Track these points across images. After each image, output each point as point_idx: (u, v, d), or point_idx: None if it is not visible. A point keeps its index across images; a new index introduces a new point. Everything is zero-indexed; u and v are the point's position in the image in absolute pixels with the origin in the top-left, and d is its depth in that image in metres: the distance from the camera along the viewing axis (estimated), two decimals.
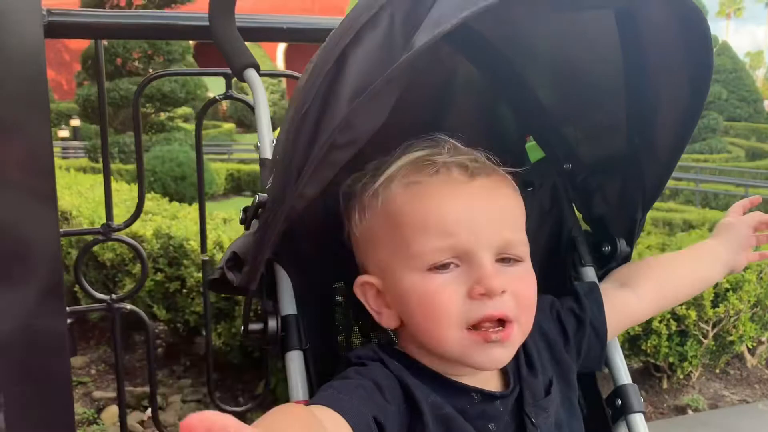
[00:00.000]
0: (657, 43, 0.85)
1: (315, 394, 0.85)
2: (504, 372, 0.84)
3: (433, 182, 0.79)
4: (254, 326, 0.87)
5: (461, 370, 0.80)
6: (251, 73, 1.16)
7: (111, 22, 1.60)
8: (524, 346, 0.85)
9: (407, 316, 0.80)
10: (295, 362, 0.87)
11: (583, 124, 1.06)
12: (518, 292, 0.78)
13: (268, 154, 1.06)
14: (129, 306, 1.85)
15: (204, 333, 3.14)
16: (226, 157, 16.94)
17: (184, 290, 2.91)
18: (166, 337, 3.41)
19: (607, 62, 0.93)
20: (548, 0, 0.81)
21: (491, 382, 0.83)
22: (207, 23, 1.50)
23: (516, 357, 0.84)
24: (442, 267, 0.77)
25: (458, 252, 0.77)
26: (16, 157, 1.47)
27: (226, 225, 3.20)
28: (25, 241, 1.52)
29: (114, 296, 1.95)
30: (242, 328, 0.87)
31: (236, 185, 13.56)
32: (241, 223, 0.90)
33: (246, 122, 20.79)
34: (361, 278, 0.83)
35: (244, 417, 2.07)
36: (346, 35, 0.73)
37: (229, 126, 21.47)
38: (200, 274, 2.85)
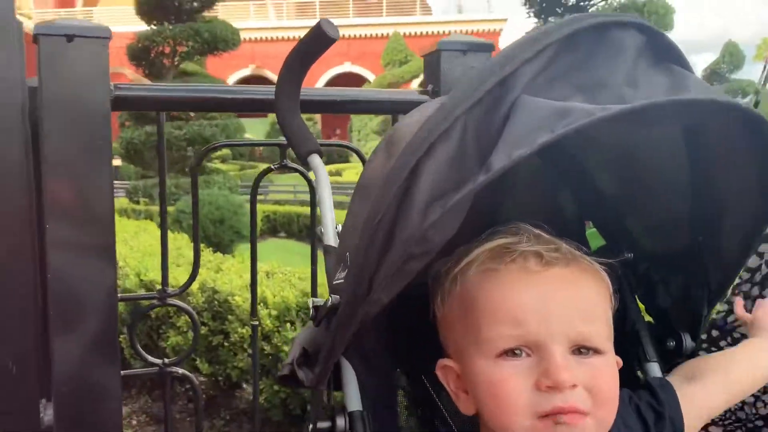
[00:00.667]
0: (723, 151, 0.86)
1: None
2: None
3: (508, 270, 0.80)
4: (322, 424, 0.88)
5: None
6: (315, 159, 1.20)
7: (173, 96, 1.67)
8: None
9: (479, 403, 0.80)
10: None
11: (645, 216, 1.07)
12: (594, 386, 0.77)
13: (332, 241, 1.08)
14: (181, 371, 1.88)
15: (244, 386, 3.15)
16: (262, 197, 17.19)
17: (227, 344, 2.94)
18: (207, 390, 3.43)
19: (672, 163, 0.94)
20: (618, 123, 0.82)
21: None
22: (266, 97, 1.56)
23: None
24: (512, 354, 0.77)
25: (528, 342, 0.77)
26: (78, 215, 1.53)
27: (269, 279, 3.24)
28: (84, 299, 1.56)
29: (166, 360, 1.99)
30: (310, 425, 0.88)
31: (272, 226, 13.71)
32: (311, 319, 0.92)
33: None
34: (442, 361, 0.86)
35: None
36: (420, 147, 0.75)
37: (265, 166, 21.71)
38: (244, 330, 2.88)
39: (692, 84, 0.81)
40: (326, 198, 1.14)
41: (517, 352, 0.77)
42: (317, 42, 1.15)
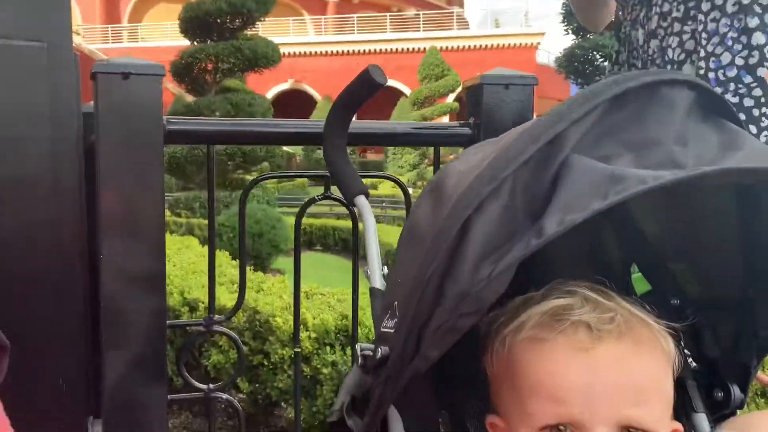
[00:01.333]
0: None
1: None
2: None
3: (556, 343, 0.79)
4: None
5: None
6: (362, 200, 1.22)
7: (222, 130, 1.72)
8: None
9: None
10: None
11: (692, 262, 1.06)
12: None
13: (378, 283, 1.10)
14: (225, 396, 1.92)
15: (283, 405, 3.18)
16: (297, 209, 17.28)
17: (268, 364, 2.98)
18: (246, 407, 3.47)
19: (722, 216, 0.94)
20: (672, 190, 0.82)
21: None
22: (310, 130, 1.60)
23: None
24: (556, 430, 0.77)
25: (571, 421, 0.76)
26: (131, 244, 1.58)
27: (309, 300, 3.28)
28: (134, 319, 1.61)
29: (211, 386, 2.03)
30: None
31: (308, 239, 13.82)
32: (360, 367, 0.94)
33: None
34: (491, 418, 0.86)
35: None
36: (470, 204, 0.76)
37: (302, 180, 22.09)
38: (284, 351, 2.91)
39: (745, 142, 0.81)
40: (372, 241, 1.16)
41: (561, 428, 0.77)
42: (365, 87, 1.18)
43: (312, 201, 1.83)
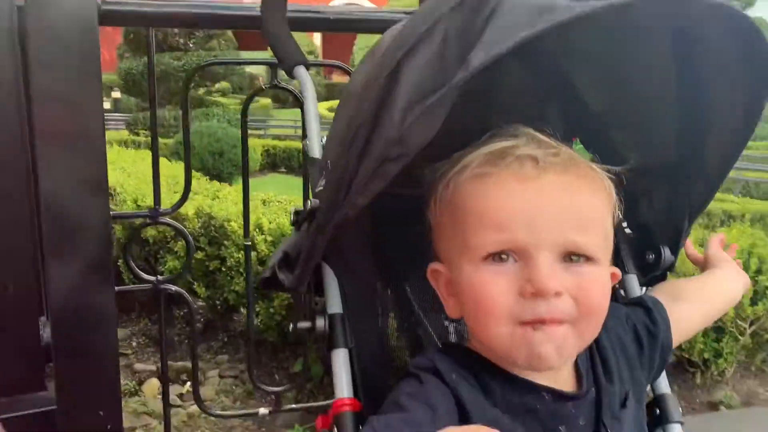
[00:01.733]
0: (711, 59, 0.85)
1: (360, 393, 0.89)
2: (578, 374, 0.83)
3: (502, 175, 0.77)
4: (303, 324, 0.91)
5: (530, 370, 0.78)
6: (301, 71, 1.18)
7: (161, 12, 1.63)
8: (601, 350, 0.86)
9: (464, 308, 0.80)
10: (340, 360, 0.90)
11: (631, 130, 1.06)
12: (581, 295, 0.74)
13: (317, 153, 1.08)
14: (174, 287, 1.91)
15: (242, 310, 3.21)
16: (262, 132, 17.05)
17: (224, 269, 2.98)
18: (205, 313, 3.50)
19: (660, 78, 0.93)
20: (604, 24, 0.80)
21: (564, 383, 0.81)
22: (256, 13, 1.53)
23: (591, 359, 0.84)
24: (498, 259, 0.75)
25: (514, 247, 0.74)
26: (68, 139, 1.52)
27: (266, 207, 3.25)
28: (76, 221, 1.57)
29: (160, 278, 2.02)
30: (291, 325, 0.91)
31: (272, 161, 13.68)
32: (292, 224, 0.93)
33: (282, 98, 20.93)
34: (433, 265, 0.85)
35: (278, 396, 2.13)
36: (401, 47, 0.74)
37: (265, 102, 21.61)
38: (240, 255, 2.91)
39: None
40: (312, 109, 1.13)
41: (503, 256, 0.74)
42: None
43: (259, 90, 1.78)
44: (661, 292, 1.02)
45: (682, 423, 0.95)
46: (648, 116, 1.02)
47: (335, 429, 0.86)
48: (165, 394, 2.02)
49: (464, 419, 0.73)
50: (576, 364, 0.83)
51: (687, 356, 3.19)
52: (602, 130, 1.08)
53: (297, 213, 0.92)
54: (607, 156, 1.07)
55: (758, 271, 3.10)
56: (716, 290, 1.07)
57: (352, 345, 0.91)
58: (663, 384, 0.97)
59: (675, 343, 0.98)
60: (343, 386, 0.88)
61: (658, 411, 0.95)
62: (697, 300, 1.03)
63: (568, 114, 1.10)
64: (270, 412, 2.07)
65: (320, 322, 0.90)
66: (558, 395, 0.78)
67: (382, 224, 1.03)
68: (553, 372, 0.79)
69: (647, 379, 0.93)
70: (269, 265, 0.91)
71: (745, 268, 3.08)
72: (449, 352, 0.81)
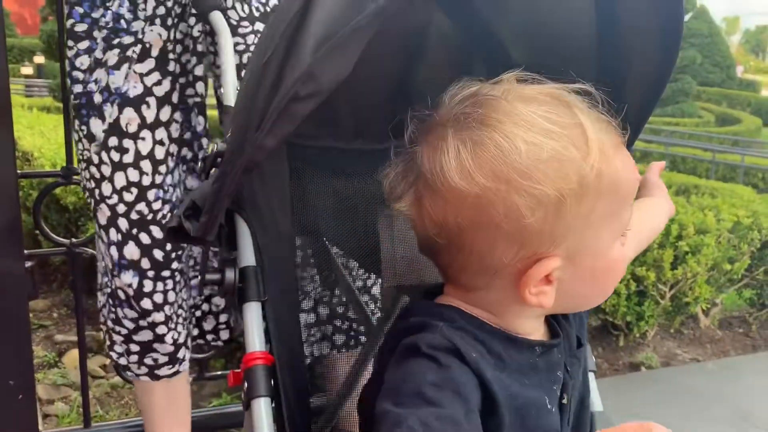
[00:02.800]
0: (630, 4, 0.85)
1: (273, 347, 0.86)
2: (548, 322, 0.82)
3: (620, 143, 0.74)
4: (211, 276, 0.87)
5: (521, 328, 0.76)
6: (217, 16, 1.13)
7: None
8: None
9: (588, 289, 0.75)
10: (252, 313, 0.86)
11: (547, 59, 1.05)
12: None
13: (232, 101, 1.04)
14: (90, 251, 1.83)
15: None
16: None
17: None
18: None
19: (580, 20, 0.92)
20: None
21: (544, 333, 0.80)
22: None
23: None
24: None
25: None
26: None
27: None
28: None
29: (74, 240, 1.92)
30: (199, 277, 0.87)
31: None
32: (200, 172, 0.88)
33: None
34: (544, 263, 0.69)
35: (202, 364, 2.08)
36: None
37: None
38: None
39: None
40: (228, 57, 1.08)
41: None
42: None
43: None
44: None
45: (594, 371, 0.96)
46: (569, 64, 1.01)
47: (246, 385, 0.83)
48: (82, 364, 1.95)
49: (489, 400, 0.68)
50: None
51: (611, 320, 3.30)
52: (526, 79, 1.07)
53: (204, 159, 0.87)
54: None
55: (679, 237, 3.22)
56: (645, 224, 1.06)
57: (265, 298, 0.88)
58: (581, 333, 0.98)
59: None
60: (255, 340, 0.85)
61: None
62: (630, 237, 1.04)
63: (493, 67, 1.08)
64: (194, 379, 2.02)
65: (230, 274, 0.86)
66: (546, 345, 0.77)
67: (305, 178, 1.00)
68: (538, 324, 0.79)
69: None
70: (175, 215, 0.86)
71: (667, 233, 3.19)
72: (454, 321, 0.72)
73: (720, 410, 2.78)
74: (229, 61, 1.08)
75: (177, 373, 1.52)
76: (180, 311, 1.47)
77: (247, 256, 0.89)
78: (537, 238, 0.68)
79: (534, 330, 0.78)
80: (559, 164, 0.66)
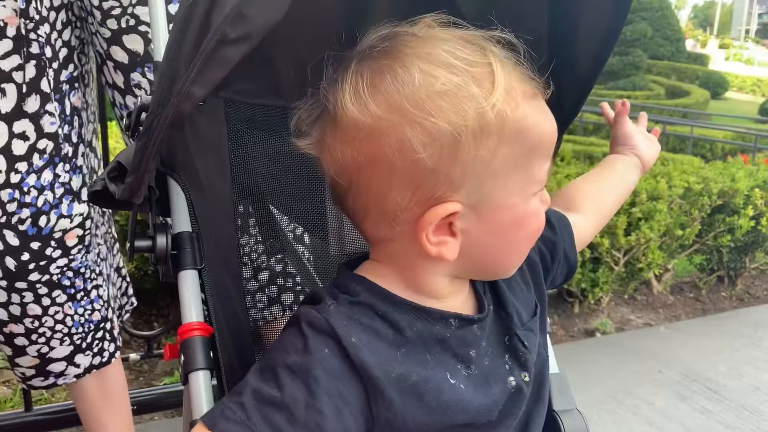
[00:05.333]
0: None
1: (212, 316, 0.80)
2: (477, 295, 0.78)
3: (538, 94, 0.71)
4: (142, 243, 0.80)
5: (433, 297, 0.72)
6: None
7: None
8: None
9: (491, 244, 0.70)
10: (188, 281, 0.81)
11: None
12: None
13: (162, 56, 0.96)
14: None
15: None
16: None
17: None
18: None
19: None
20: None
21: (466, 306, 0.76)
22: None
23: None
24: None
25: None
26: None
27: None
28: None
29: None
30: (128, 244, 0.80)
31: None
32: (126, 129, 0.81)
33: None
34: (439, 208, 0.66)
35: (151, 342, 2.01)
36: None
37: None
38: None
39: None
40: (159, 7, 1.00)
41: None
42: None
43: None
44: (556, 201, 0.99)
45: (549, 333, 0.93)
46: (519, 22, 0.97)
47: (183, 358, 0.77)
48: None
49: (371, 384, 0.65)
50: (474, 286, 0.78)
51: (566, 287, 3.33)
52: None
53: (128, 116, 0.80)
54: None
55: (632, 204, 3.26)
56: (613, 187, 1.05)
57: (202, 266, 0.82)
58: (540, 300, 0.95)
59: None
60: (192, 310, 0.79)
61: None
62: (592, 207, 1.02)
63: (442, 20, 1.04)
64: (141, 357, 1.95)
65: (162, 241, 0.80)
66: (463, 319, 0.73)
67: (245, 139, 0.94)
68: (455, 296, 0.74)
69: (547, 284, 0.91)
70: (99, 177, 0.79)
71: None
72: (357, 295, 0.70)
73: (672, 373, 2.84)
74: (159, 13, 1.00)
75: (54, 384, 1.41)
76: (59, 326, 1.34)
77: (182, 221, 0.84)
78: (432, 178, 0.65)
79: (452, 296, 0.74)
80: (456, 99, 0.63)
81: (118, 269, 1.60)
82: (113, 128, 3.25)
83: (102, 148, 1.67)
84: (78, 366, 1.40)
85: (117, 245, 1.60)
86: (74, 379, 1.41)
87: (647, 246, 3.31)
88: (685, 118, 14.34)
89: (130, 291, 1.67)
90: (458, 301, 0.75)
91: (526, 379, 0.75)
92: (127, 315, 1.68)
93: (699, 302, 3.88)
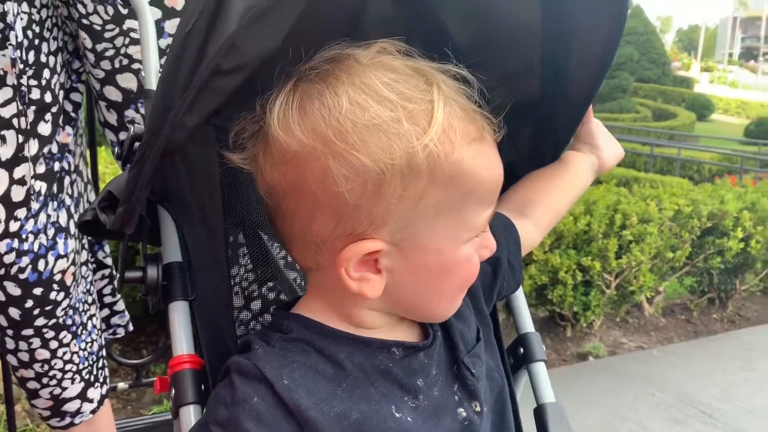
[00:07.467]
0: None
1: (203, 349, 0.79)
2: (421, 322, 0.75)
3: (485, 137, 0.68)
4: (132, 273, 0.79)
5: (369, 329, 0.70)
6: None
7: None
8: None
9: (419, 286, 0.68)
10: (179, 313, 0.79)
11: (497, 67, 1.01)
12: None
13: (154, 85, 0.96)
14: None
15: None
16: None
17: None
18: None
19: (525, 10, 0.89)
20: None
21: (410, 334, 0.73)
22: None
23: None
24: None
25: None
26: None
27: None
28: None
29: None
30: (118, 275, 0.79)
31: None
32: (117, 159, 0.81)
33: None
34: (361, 245, 0.64)
35: (140, 370, 1.98)
36: None
37: None
38: None
39: None
40: (150, 37, 1.00)
41: None
42: None
43: None
44: (507, 207, 0.97)
45: (545, 360, 0.92)
46: (513, 50, 0.98)
47: (173, 391, 0.76)
48: (6, 375, 1.82)
49: (309, 425, 0.62)
50: None
51: (558, 310, 3.32)
52: (467, 67, 1.03)
53: (121, 145, 0.79)
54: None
55: (622, 227, 3.27)
56: (567, 186, 1.01)
57: (192, 296, 0.81)
58: (527, 323, 0.95)
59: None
60: (182, 342, 0.78)
61: (521, 350, 0.92)
62: (544, 210, 0.99)
63: (432, 48, 1.04)
64: (129, 386, 1.92)
65: (152, 272, 0.79)
66: (408, 347, 0.70)
67: (233, 171, 0.93)
68: (395, 325, 0.72)
69: (492, 299, 0.89)
70: (90, 207, 0.78)
71: (611, 223, 3.23)
72: (290, 332, 0.68)
73: (666, 396, 2.83)
74: (151, 43, 1.00)
75: (71, 425, 1.39)
76: (68, 366, 1.33)
77: (172, 252, 0.82)
78: (354, 213, 0.62)
79: (391, 326, 0.71)
80: (384, 135, 0.60)
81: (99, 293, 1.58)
82: (102, 153, 3.24)
83: (91, 173, 1.66)
84: (92, 401, 1.40)
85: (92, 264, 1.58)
86: (90, 416, 1.39)
87: (638, 268, 3.32)
88: (672, 140, 14.48)
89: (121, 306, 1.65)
90: (400, 329, 0.72)
91: (477, 409, 0.73)
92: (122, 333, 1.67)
93: (690, 324, 3.88)
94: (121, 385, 1.88)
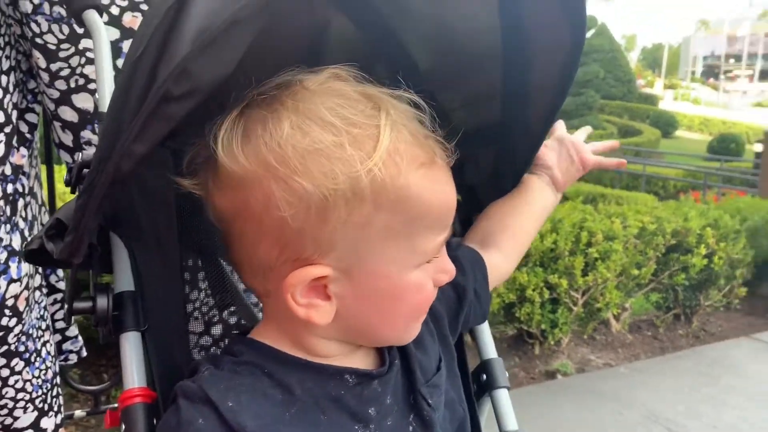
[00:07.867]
0: (532, 7, 0.82)
1: (156, 381, 0.76)
2: (379, 349, 0.74)
3: (436, 162, 0.67)
4: (81, 304, 0.76)
5: (323, 356, 0.69)
6: (92, 16, 1.02)
7: None
8: None
9: (370, 312, 0.67)
10: (130, 344, 0.77)
11: (459, 90, 1.01)
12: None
13: (106, 107, 0.93)
14: None
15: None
16: None
17: None
18: None
19: (486, 36, 0.89)
20: None
21: (365, 361, 0.72)
22: None
23: None
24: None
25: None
26: None
27: None
28: None
29: None
30: (66, 306, 0.76)
31: None
32: (66, 185, 0.78)
33: None
34: (309, 270, 0.63)
35: (99, 396, 1.92)
36: None
37: None
38: None
39: None
40: (105, 60, 0.98)
41: None
42: None
43: None
44: (472, 240, 0.97)
45: (508, 387, 0.91)
46: (474, 73, 0.98)
47: (123, 427, 0.73)
48: None
49: None
50: None
51: (526, 328, 3.33)
52: (429, 90, 1.03)
53: (70, 171, 0.77)
54: (433, 119, 1.02)
55: (588, 244, 3.30)
56: (529, 214, 1.01)
57: (145, 327, 0.78)
58: (490, 349, 0.94)
59: (492, 287, 0.96)
60: (133, 375, 0.75)
61: (484, 377, 0.91)
62: (509, 240, 0.98)
63: (394, 70, 1.04)
64: (87, 413, 1.86)
65: (103, 302, 0.76)
66: (361, 374, 0.69)
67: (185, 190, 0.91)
68: (352, 352, 0.71)
69: (457, 329, 0.88)
70: (36, 235, 0.75)
71: (577, 240, 3.25)
72: (240, 355, 0.67)
73: (633, 414, 2.84)
74: (105, 63, 0.97)
75: None
76: (20, 395, 1.28)
77: (124, 281, 0.80)
78: (298, 238, 0.61)
79: (345, 353, 0.70)
80: (326, 159, 0.60)
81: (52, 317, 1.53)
82: (62, 172, 3.17)
83: (48, 193, 1.61)
84: (45, 431, 1.34)
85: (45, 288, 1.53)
86: None
87: (605, 286, 3.35)
88: (637, 156, 14.77)
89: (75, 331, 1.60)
90: (356, 357, 0.71)
91: None
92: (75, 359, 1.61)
93: (657, 340, 3.92)
94: (78, 412, 1.82)
